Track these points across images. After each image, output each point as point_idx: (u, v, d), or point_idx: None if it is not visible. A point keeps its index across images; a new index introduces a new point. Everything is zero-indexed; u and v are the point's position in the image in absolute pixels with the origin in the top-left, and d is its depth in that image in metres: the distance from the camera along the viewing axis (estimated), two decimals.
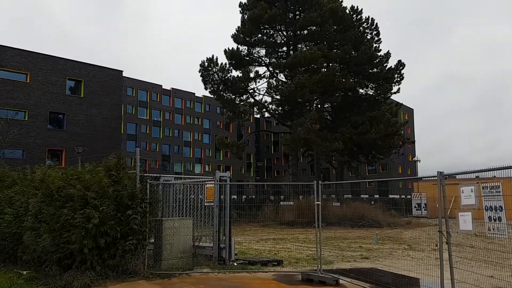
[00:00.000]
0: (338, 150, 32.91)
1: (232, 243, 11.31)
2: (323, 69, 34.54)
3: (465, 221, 6.82)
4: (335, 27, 36.47)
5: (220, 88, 37.25)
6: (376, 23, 38.16)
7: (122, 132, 48.00)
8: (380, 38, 38.22)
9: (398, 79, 37.28)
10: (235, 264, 11.00)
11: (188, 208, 11.85)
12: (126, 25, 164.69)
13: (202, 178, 15.54)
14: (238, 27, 38.12)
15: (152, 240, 10.01)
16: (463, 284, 7.33)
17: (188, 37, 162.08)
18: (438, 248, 7.18)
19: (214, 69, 36.64)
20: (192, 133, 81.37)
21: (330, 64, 35.44)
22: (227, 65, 37.10)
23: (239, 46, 38.16)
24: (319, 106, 38.04)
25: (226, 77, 36.72)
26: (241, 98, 38.45)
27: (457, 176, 7.64)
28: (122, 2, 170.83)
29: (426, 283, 8.35)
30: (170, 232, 9.92)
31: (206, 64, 36.72)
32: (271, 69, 38.83)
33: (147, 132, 74.39)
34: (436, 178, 7.16)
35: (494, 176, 6.96)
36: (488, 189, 6.75)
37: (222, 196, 11.23)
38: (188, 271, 9.80)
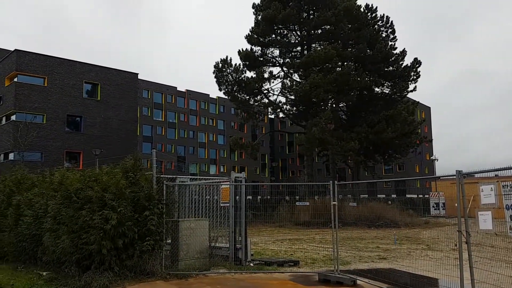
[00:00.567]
0: (354, 150, 32.64)
1: (248, 243, 11.32)
2: (338, 68, 34.33)
3: (485, 220, 6.70)
4: (350, 26, 36.22)
5: (234, 89, 37.33)
6: (391, 21, 37.81)
7: (138, 134, 48.47)
8: (395, 36, 37.86)
9: (415, 77, 36.86)
10: (252, 264, 11.00)
11: (203, 209, 11.89)
12: (141, 29, 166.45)
13: (217, 179, 15.58)
14: (251, 27, 38.17)
15: (169, 241, 10.07)
16: (483, 285, 7.21)
17: (202, 39, 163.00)
18: (457, 248, 7.07)
19: (228, 70, 36.74)
20: (207, 134, 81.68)
21: (345, 63, 35.21)
22: (241, 66, 37.18)
23: (253, 46, 38.23)
24: (334, 105, 37.81)
25: (240, 78, 36.78)
26: (255, 98, 38.46)
27: (476, 174, 7.50)
28: (138, 6, 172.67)
29: (445, 284, 8.22)
30: (186, 233, 9.98)
31: (220, 65, 36.85)
32: (285, 69, 38.77)
33: (163, 133, 74.95)
34: (454, 177, 7.05)
35: None
36: (509, 187, 6.63)
37: (237, 197, 11.24)
38: (205, 272, 9.84)
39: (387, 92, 37.64)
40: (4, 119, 35.66)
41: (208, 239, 10.59)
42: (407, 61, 37.89)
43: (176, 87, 78.10)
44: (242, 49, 37.52)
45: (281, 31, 38.25)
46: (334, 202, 9.46)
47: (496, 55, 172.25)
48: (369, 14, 37.72)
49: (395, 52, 36.87)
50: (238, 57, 37.50)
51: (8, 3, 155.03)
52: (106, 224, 8.70)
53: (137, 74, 41.27)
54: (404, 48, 36.88)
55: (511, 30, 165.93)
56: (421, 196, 38.78)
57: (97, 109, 37.39)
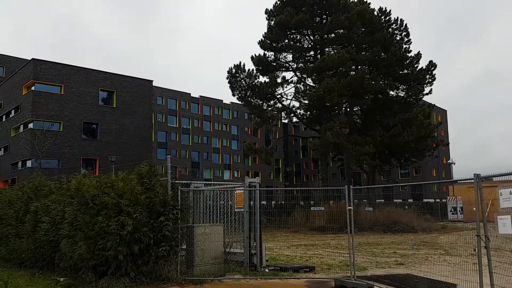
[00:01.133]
0: (369, 154, 32.36)
1: (263, 249, 11.26)
2: (352, 72, 34.17)
3: (505, 224, 6.57)
4: (363, 30, 36.09)
5: (248, 94, 37.44)
6: (406, 24, 37.58)
7: (153, 140, 48.89)
8: (410, 39, 37.60)
9: (430, 80, 36.49)
10: (267, 270, 10.94)
11: (218, 214, 11.90)
12: (155, 36, 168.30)
13: (231, 184, 15.59)
14: (264, 33, 38.29)
15: (184, 247, 10.08)
16: None
17: (216, 45, 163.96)
18: (476, 253, 6.93)
19: (242, 75, 36.88)
20: (221, 140, 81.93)
21: (359, 67, 35.03)
22: (254, 71, 37.30)
23: (266, 52, 38.33)
24: (348, 109, 37.60)
25: (254, 83, 36.89)
26: (269, 103, 38.51)
27: (494, 178, 7.37)
28: (153, 14, 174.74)
29: None
30: (201, 238, 9.98)
31: (234, 70, 37.02)
32: (298, 74, 38.75)
33: (177, 139, 75.43)
34: (472, 180, 6.93)
35: None
36: None
37: (251, 202, 11.20)
38: (220, 277, 9.82)
39: (402, 95, 37.32)
40: (21, 127, 36.35)
41: (223, 244, 10.57)
42: (422, 63, 37.63)
43: (190, 93, 78.65)
44: (255, 54, 37.71)
45: (294, 36, 38.27)
46: (349, 207, 9.37)
47: None
48: (382, 17, 37.55)
49: (409, 55, 36.57)
50: (252, 62, 37.69)
51: (25, 13, 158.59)
52: (122, 230, 8.76)
53: (152, 81, 41.72)
54: (419, 51, 36.59)
55: None
56: (438, 200, 38.23)
57: (112, 116, 37.86)
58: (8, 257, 13.22)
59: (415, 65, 36.51)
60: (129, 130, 38.47)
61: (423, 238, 21.12)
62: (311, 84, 37.14)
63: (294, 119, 44.88)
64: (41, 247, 11.33)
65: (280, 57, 38.90)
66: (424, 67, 36.52)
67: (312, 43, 38.52)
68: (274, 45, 37.84)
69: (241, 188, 11.67)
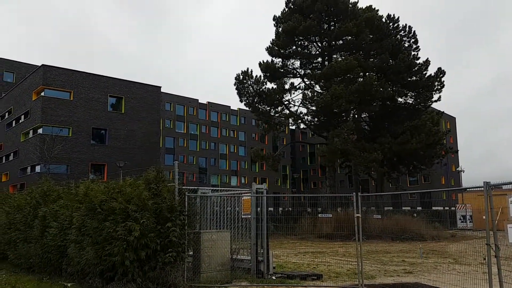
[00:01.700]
0: (377, 161, 32.18)
1: (270, 256, 11.19)
2: (360, 79, 34.10)
3: None
4: (371, 36, 36.06)
5: (255, 100, 37.50)
6: (414, 31, 37.46)
7: (160, 146, 49.08)
8: (418, 46, 37.47)
9: (439, 87, 36.30)
10: (273, 277, 10.87)
11: (225, 221, 11.87)
12: (163, 42, 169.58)
13: (238, 190, 15.56)
14: (272, 39, 38.39)
15: (191, 253, 10.06)
16: None
17: (223, 52, 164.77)
18: (485, 261, 6.84)
19: (249, 81, 36.96)
20: (228, 146, 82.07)
21: (367, 74, 34.96)
22: (262, 78, 37.36)
23: (273, 58, 38.39)
24: (356, 116, 37.50)
25: (261, 89, 36.95)
26: (276, 109, 38.53)
27: (504, 186, 7.29)
28: (162, 20, 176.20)
29: None
30: (208, 245, 9.96)
31: (241, 77, 37.12)
32: (306, 80, 38.77)
33: (185, 145, 75.68)
34: (482, 188, 6.86)
35: None
36: None
37: (258, 209, 11.16)
38: (227, 284, 9.78)
39: (410, 102, 37.13)
40: (31, 132, 36.69)
41: (230, 251, 10.54)
42: (431, 70, 37.42)
43: (197, 100, 79.02)
44: (263, 60, 37.79)
45: (302, 42, 38.32)
46: (357, 214, 9.31)
47: None
48: (391, 24, 37.49)
49: (418, 62, 36.42)
50: (259, 68, 37.77)
51: (35, 19, 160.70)
52: (129, 235, 8.76)
53: (160, 87, 41.96)
54: (428, 58, 36.45)
55: None
56: (447, 208, 37.87)
57: (121, 122, 38.10)
58: (16, 261, 13.28)
59: (424, 72, 36.35)
60: (137, 136, 38.68)
61: (432, 246, 20.89)
62: (319, 90, 37.12)
63: (302, 126, 44.83)
64: (49, 252, 11.34)
65: (288, 63, 38.95)
66: (432, 74, 36.34)
67: (320, 50, 38.54)
68: (282, 51, 37.91)
69: (248, 194, 11.64)
